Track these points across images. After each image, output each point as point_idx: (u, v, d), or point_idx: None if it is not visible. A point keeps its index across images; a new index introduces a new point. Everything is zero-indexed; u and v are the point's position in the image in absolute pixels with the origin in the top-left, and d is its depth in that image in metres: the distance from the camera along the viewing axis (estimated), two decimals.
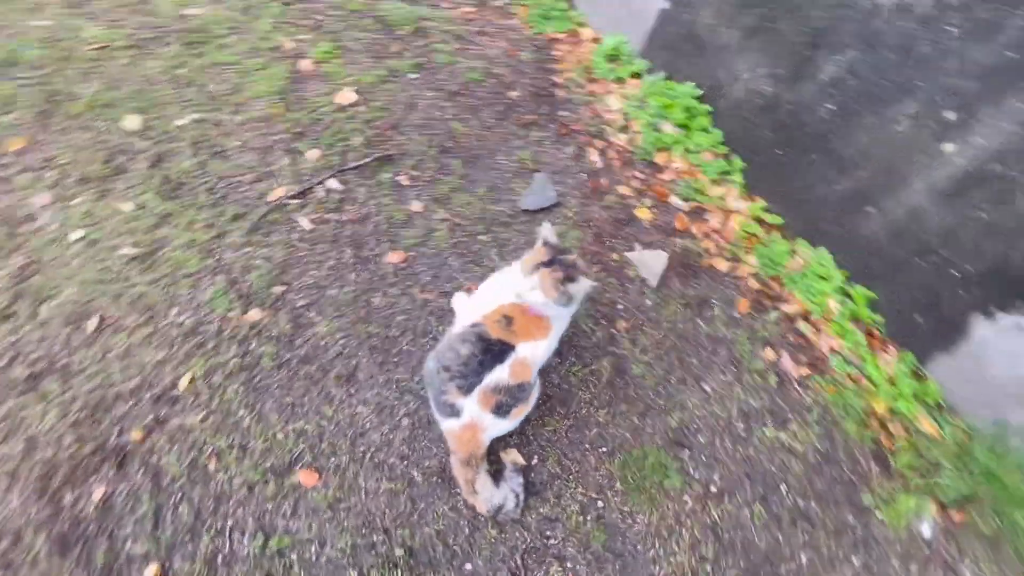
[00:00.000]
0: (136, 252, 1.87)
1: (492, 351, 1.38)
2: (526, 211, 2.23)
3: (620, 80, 2.68)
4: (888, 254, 2.01)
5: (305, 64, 2.47)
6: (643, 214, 2.33)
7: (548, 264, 1.39)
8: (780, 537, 1.62)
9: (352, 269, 1.97)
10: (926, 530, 1.66)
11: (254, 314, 1.82)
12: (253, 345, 1.76)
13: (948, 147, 1.74)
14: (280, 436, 1.63)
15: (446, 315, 1.89)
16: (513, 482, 1.57)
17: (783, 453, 1.76)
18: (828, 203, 2.14)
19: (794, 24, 2.04)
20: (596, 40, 2.82)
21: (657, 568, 1.55)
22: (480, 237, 2.13)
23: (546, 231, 1.50)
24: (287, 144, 2.22)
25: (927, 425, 1.87)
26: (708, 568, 1.55)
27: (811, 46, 2.01)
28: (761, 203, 2.37)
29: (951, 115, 1.72)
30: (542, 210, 2.26)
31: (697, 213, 2.39)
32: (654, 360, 1.92)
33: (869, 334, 2.07)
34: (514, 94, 2.58)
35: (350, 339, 1.83)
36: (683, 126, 2.50)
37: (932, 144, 1.78)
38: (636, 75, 2.67)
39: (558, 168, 2.40)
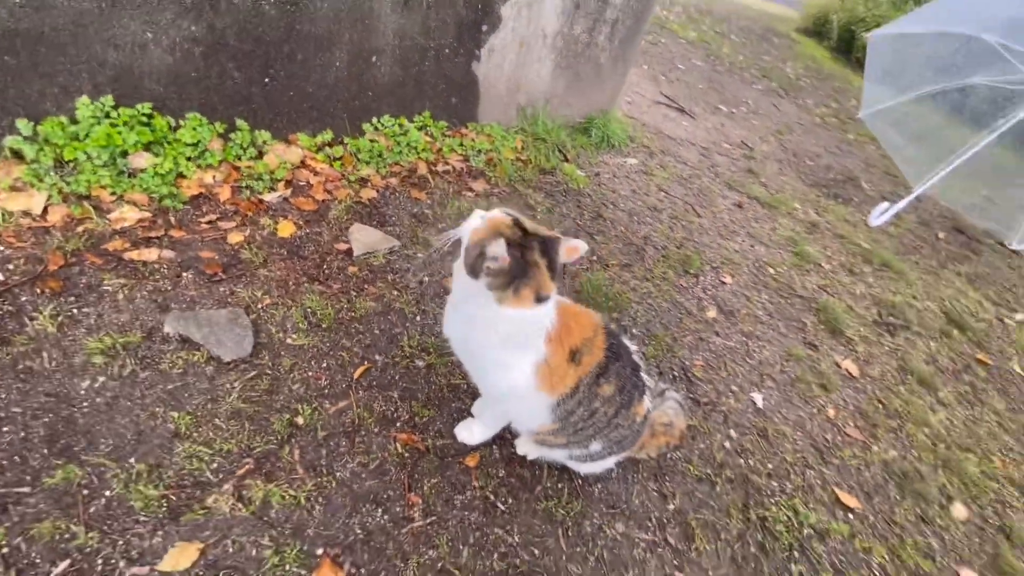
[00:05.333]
0: None
1: None
2: None
3: None
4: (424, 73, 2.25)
5: None
6: (299, 232, 1.74)
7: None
8: None
9: None
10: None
11: None
12: None
13: None
14: None
15: None
16: None
17: None
18: (344, 81, 2.06)
19: None
20: None
21: None
22: None
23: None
24: None
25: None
26: None
27: None
28: (304, 135, 2.07)
29: None
30: (242, 359, 1.39)
31: (299, 188, 1.93)
32: None
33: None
34: None
35: None
36: (156, 142, 1.70)
37: None
38: None
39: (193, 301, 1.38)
